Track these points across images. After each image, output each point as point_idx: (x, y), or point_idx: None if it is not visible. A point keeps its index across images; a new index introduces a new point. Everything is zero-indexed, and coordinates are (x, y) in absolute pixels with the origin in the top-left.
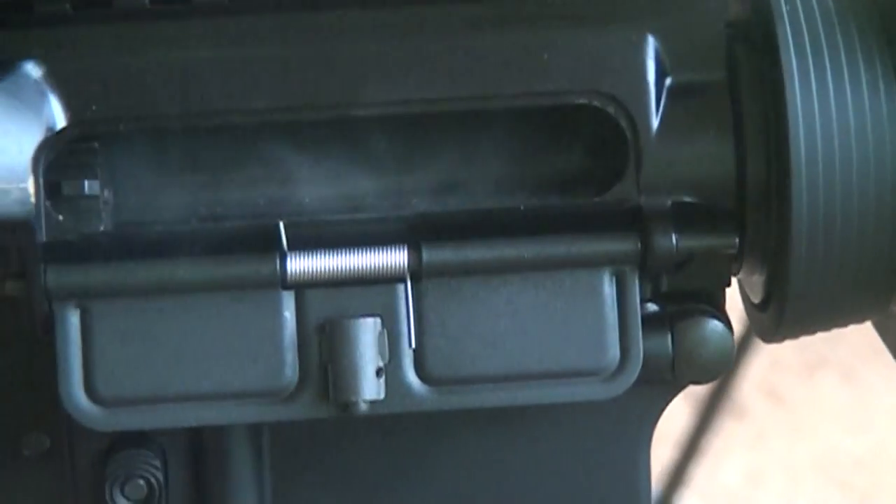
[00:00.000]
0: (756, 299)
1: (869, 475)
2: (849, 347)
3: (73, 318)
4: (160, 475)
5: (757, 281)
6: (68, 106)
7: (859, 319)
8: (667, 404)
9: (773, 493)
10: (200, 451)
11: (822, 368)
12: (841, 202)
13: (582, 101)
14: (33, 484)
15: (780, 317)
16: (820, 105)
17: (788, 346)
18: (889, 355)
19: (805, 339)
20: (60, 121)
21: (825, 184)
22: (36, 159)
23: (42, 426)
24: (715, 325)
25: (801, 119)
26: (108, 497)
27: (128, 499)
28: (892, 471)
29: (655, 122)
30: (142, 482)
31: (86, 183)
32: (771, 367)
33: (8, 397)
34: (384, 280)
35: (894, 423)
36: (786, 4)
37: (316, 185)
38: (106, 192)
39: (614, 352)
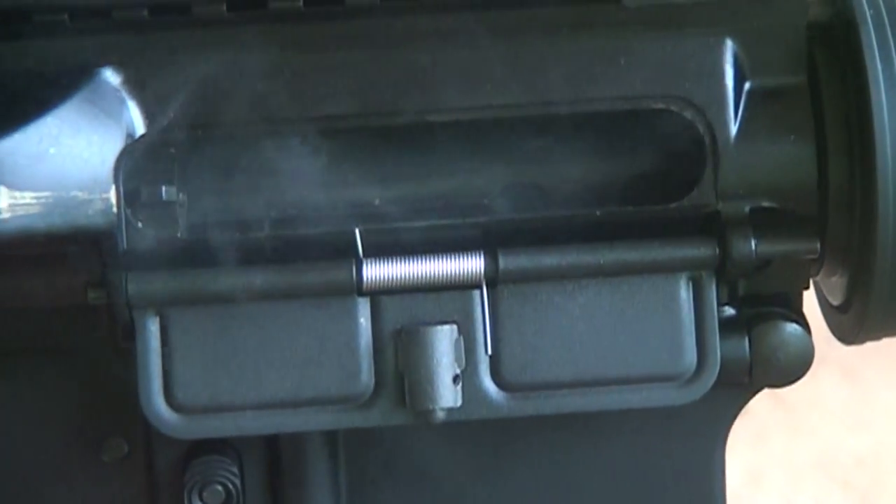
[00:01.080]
0: (836, 301)
1: (870, 474)
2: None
3: (153, 326)
4: (237, 481)
5: (837, 283)
6: (147, 113)
7: None
8: (743, 406)
9: (773, 491)
10: (277, 456)
11: (823, 367)
12: None
13: (659, 105)
14: (112, 489)
15: (863, 319)
16: None
17: None
18: (890, 353)
19: None
20: (140, 128)
21: None
22: (117, 168)
23: (121, 432)
24: (793, 328)
25: (886, 122)
26: (186, 502)
27: None
28: (893, 469)
29: (734, 127)
30: (219, 488)
31: (164, 189)
32: None
33: (88, 403)
34: (460, 287)
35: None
36: (869, 7)
37: (390, 190)
38: (181, 196)
39: (691, 357)
